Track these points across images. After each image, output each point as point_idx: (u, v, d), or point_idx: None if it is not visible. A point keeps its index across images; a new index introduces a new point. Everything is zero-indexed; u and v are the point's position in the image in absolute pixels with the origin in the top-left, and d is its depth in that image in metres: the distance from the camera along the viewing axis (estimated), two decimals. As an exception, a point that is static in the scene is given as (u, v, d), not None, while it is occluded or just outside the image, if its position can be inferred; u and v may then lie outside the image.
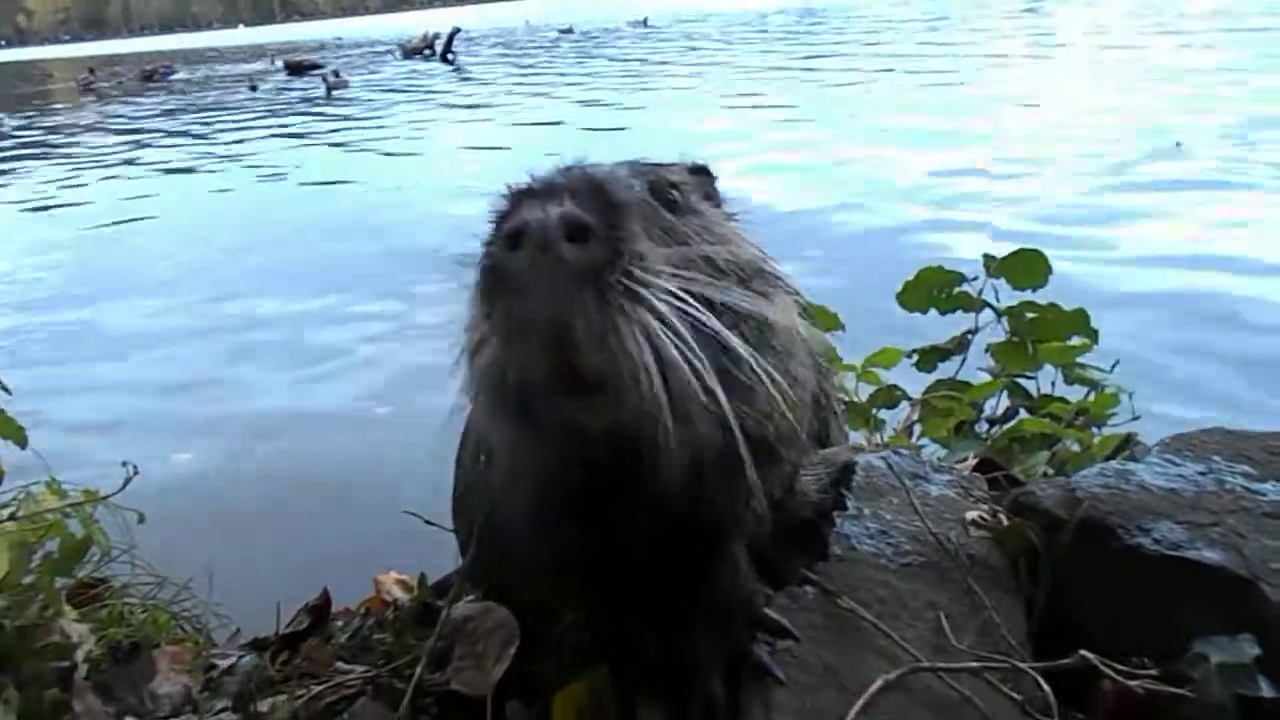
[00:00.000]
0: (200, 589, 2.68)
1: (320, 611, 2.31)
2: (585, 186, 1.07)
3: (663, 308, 1.01)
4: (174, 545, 2.72)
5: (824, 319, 3.09)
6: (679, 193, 1.26)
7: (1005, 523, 1.64)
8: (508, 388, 1.05)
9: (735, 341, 1.08)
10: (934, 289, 3.09)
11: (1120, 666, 1.36)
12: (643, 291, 1.01)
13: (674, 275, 1.06)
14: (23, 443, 2.18)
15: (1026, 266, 2.99)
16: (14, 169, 15.20)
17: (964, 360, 3.05)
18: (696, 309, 1.04)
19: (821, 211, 7.57)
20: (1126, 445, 2.10)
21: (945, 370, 3.11)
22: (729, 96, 16.33)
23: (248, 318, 6.76)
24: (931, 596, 1.52)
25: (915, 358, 3.05)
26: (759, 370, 1.10)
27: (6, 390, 2.19)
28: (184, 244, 9.00)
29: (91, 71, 36.14)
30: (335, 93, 23.77)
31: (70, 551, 2.27)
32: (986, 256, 3.06)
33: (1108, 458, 2.00)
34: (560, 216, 0.99)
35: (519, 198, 1.09)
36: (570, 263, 0.99)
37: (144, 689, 2.10)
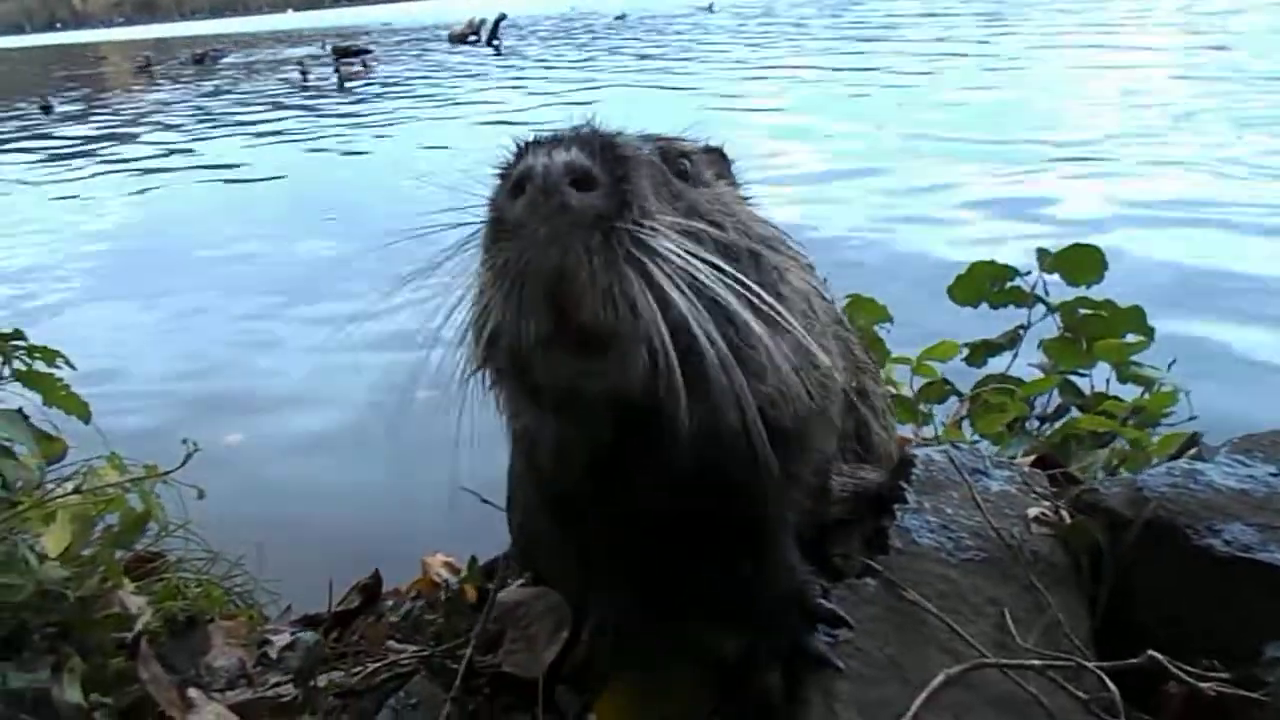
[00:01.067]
0: (250, 566, 2.72)
1: (371, 591, 2.34)
2: (593, 139, 1.04)
3: (675, 260, 0.96)
4: (225, 523, 2.75)
5: (871, 311, 3.08)
6: (690, 163, 1.21)
7: (1068, 520, 1.62)
8: (507, 352, 1.01)
9: (747, 314, 1.02)
10: (986, 283, 3.06)
11: (1190, 668, 1.34)
12: (652, 242, 0.97)
13: (683, 234, 1.01)
14: (87, 418, 2.22)
15: (1082, 261, 2.95)
16: (71, 152, 15.35)
17: (1015, 355, 3.01)
18: (706, 271, 0.99)
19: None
20: (1192, 445, 2.06)
21: (995, 366, 3.08)
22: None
23: (291, 300, 6.83)
24: (993, 592, 1.51)
25: (965, 352, 3.01)
26: (769, 345, 1.05)
27: (71, 366, 2.24)
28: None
29: (147, 60, 36.81)
30: (349, 84, 23.08)
31: (130, 525, 2.31)
32: (1040, 250, 3.02)
33: (1171, 457, 1.96)
34: (565, 163, 0.96)
35: (525, 148, 1.06)
36: (575, 209, 0.95)
37: (200, 661, 2.15)
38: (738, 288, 1.02)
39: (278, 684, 2.08)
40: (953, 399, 3.10)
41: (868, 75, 15.66)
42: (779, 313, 1.08)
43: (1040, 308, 2.98)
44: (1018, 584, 1.53)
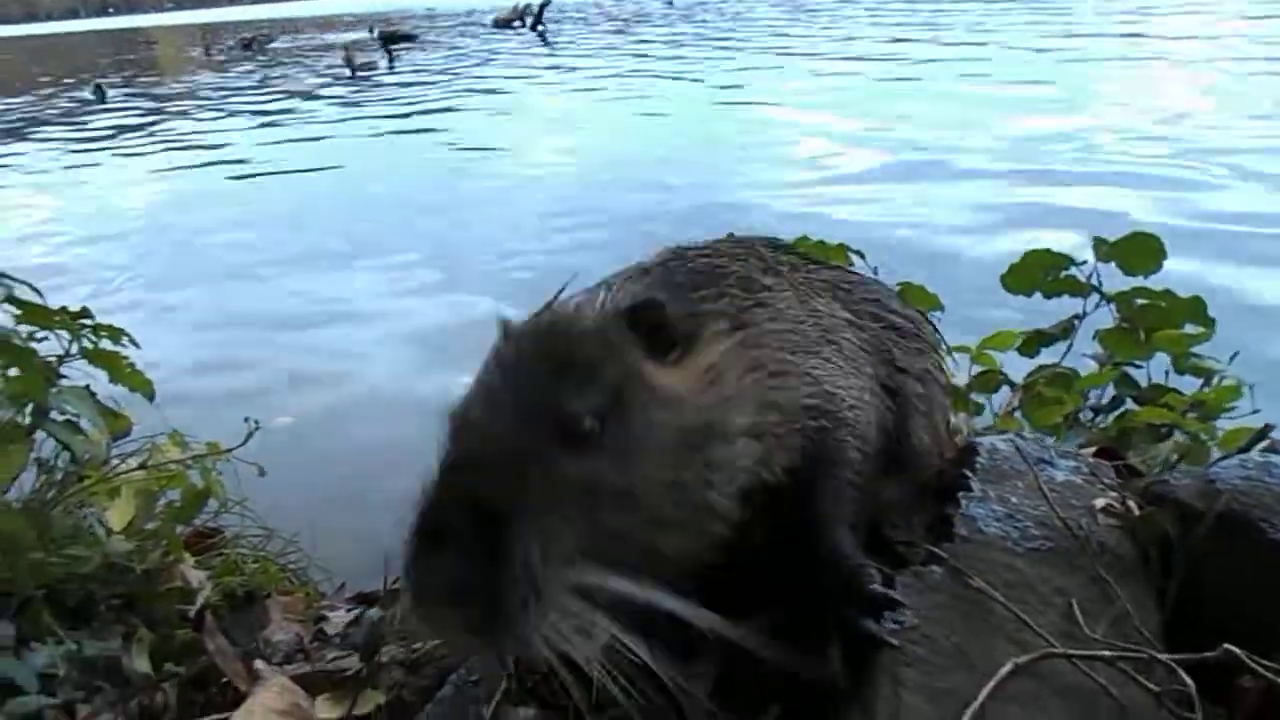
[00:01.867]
0: (304, 544, 2.77)
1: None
2: (474, 522, 1.09)
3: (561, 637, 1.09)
4: (279, 501, 2.80)
5: (921, 299, 3.05)
6: (589, 417, 1.19)
7: (1136, 512, 1.60)
8: None
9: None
10: (1040, 272, 3.02)
11: (1269, 664, 1.32)
12: (537, 633, 1.08)
13: (573, 592, 1.11)
14: (151, 395, 2.27)
15: (1140, 250, 2.90)
16: (124, 129, 15.47)
17: (1070, 346, 2.97)
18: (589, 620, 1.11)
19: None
20: (1262, 438, 2.03)
21: (1048, 356, 3.04)
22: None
23: (346, 283, 6.92)
24: (1060, 582, 1.49)
25: (1019, 342, 2.98)
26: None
27: (136, 344, 2.28)
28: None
29: (206, 42, 37.40)
30: (361, 73, 22.37)
31: (191, 501, 2.36)
32: (1097, 239, 2.97)
33: (1240, 450, 1.93)
34: (445, 592, 1.08)
35: (415, 542, 1.13)
36: (464, 625, 1.10)
37: (259, 635, 2.19)
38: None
39: (335, 659, 2.11)
40: (1005, 389, 3.07)
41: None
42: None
43: (1095, 298, 2.95)
44: (1085, 575, 1.51)
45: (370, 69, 23.03)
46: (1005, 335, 2.83)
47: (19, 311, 2.06)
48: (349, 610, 2.36)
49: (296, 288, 6.82)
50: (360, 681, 1.75)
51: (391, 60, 24.28)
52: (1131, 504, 1.62)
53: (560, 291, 1.45)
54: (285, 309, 6.38)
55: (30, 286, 2.05)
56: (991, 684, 1.31)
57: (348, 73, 22.34)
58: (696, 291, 1.50)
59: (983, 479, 1.65)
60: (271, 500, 2.78)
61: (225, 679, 1.90)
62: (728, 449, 1.30)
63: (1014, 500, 1.62)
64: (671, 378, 1.30)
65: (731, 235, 1.93)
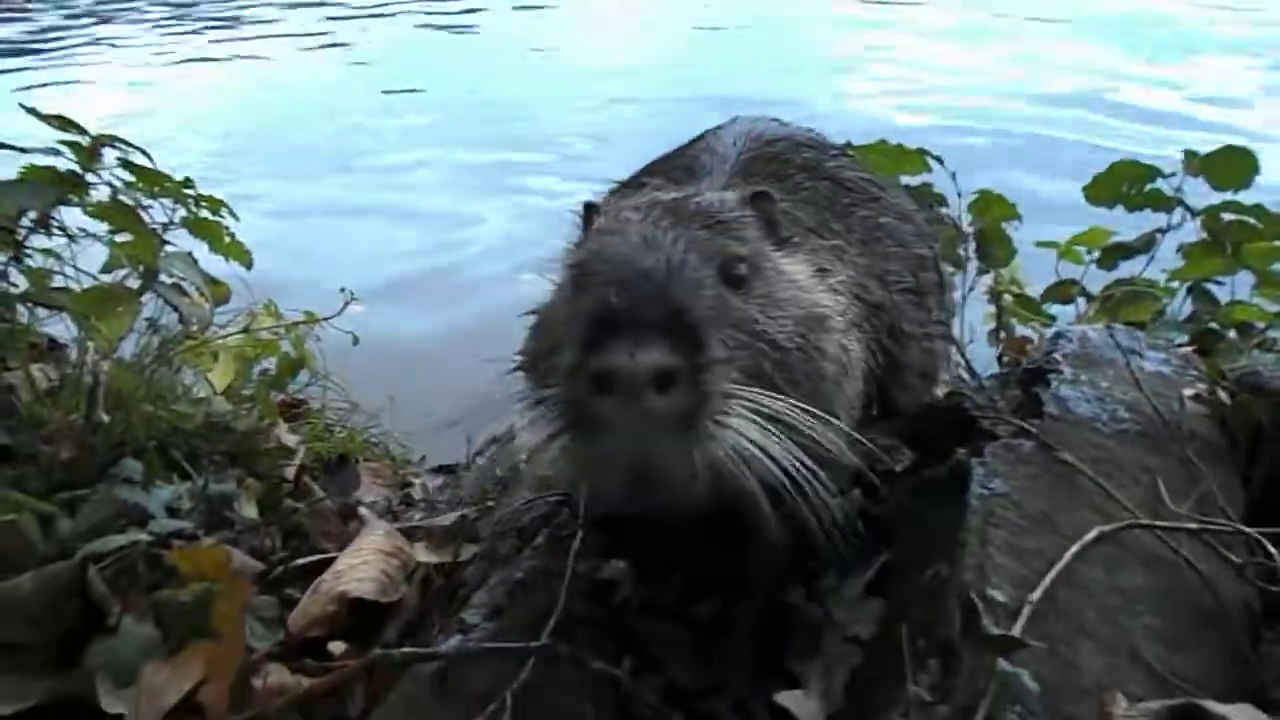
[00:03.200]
0: (385, 418, 2.88)
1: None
2: (667, 317, 1.11)
3: (747, 436, 1.10)
4: (360, 375, 2.88)
5: (1000, 208, 3.03)
6: (744, 263, 1.31)
7: (1227, 401, 1.62)
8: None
9: (797, 457, 1.14)
10: (1125, 184, 2.97)
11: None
12: (728, 423, 1.10)
13: (751, 404, 1.13)
14: (249, 264, 2.34)
15: (1232, 165, 2.84)
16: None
17: (1150, 259, 2.94)
18: (774, 435, 1.13)
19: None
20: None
21: (1126, 270, 3.02)
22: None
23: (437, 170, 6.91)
24: (1147, 462, 1.53)
25: (1097, 254, 2.95)
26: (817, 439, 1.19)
27: (235, 216, 2.35)
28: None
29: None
30: None
31: (286, 368, 2.47)
32: (1187, 153, 2.91)
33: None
34: (649, 368, 1.05)
35: (603, 330, 1.10)
36: (660, 413, 1.06)
37: (352, 495, 2.31)
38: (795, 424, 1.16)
39: (423, 519, 2.23)
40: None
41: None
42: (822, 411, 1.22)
43: (1180, 212, 2.90)
44: (1172, 457, 1.55)
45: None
46: (1097, 232, 2.79)
47: (132, 177, 2.13)
48: (432, 478, 2.48)
49: (389, 179, 6.80)
50: (458, 532, 1.85)
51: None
52: (1222, 394, 1.64)
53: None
54: (377, 199, 6.39)
55: (143, 152, 2.12)
56: (1077, 546, 1.37)
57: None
58: (763, 182, 1.60)
59: (1074, 364, 1.68)
60: (353, 376, 2.87)
61: (324, 528, 2.01)
62: (829, 343, 1.39)
63: (1104, 385, 1.64)
64: (786, 263, 1.42)
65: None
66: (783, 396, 1.15)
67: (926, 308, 1.77)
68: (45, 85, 9.44)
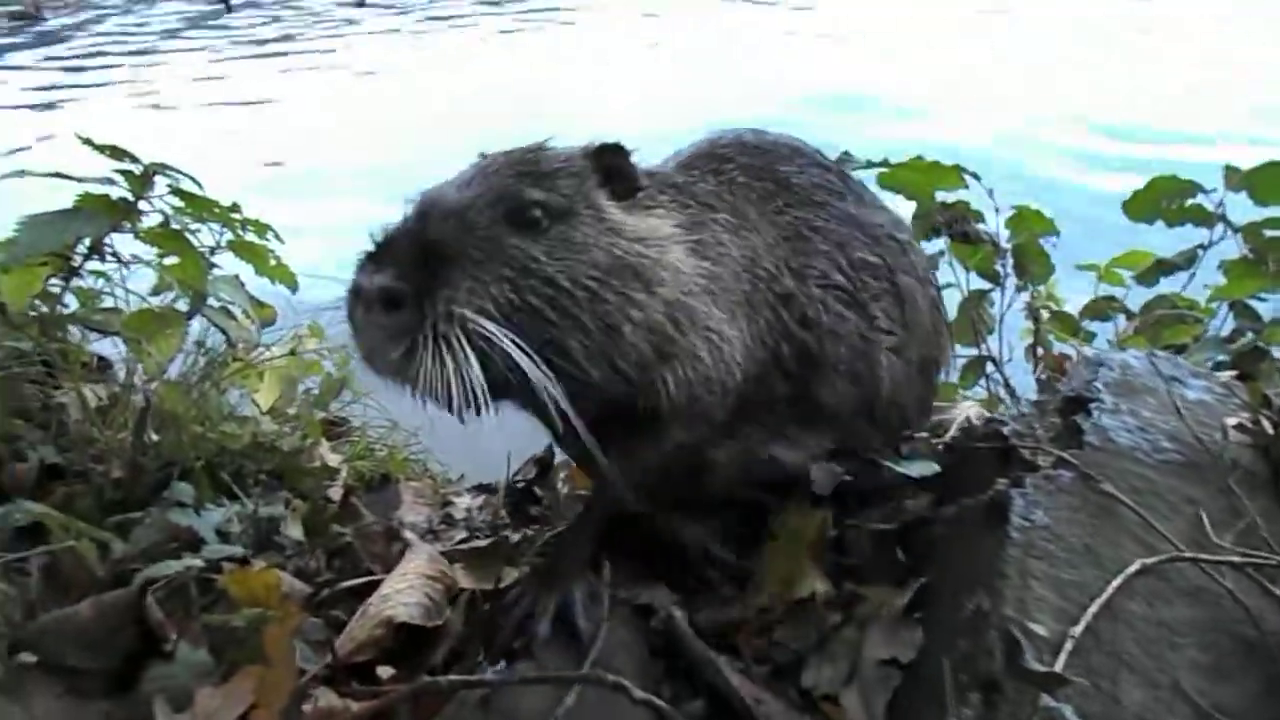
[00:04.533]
0: (425, 437, 2.92)
1: (545, 463, 2.49)
2: (411, 248, 1.36)
3: (464, 342, 1.31)
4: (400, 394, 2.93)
5: (1037, 223, 3.01)
6: (540, 208, 1.45)
7: (1271, 430, 1.60)
8: None
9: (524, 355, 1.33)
10: (1165, 199, 2.94)
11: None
12: (447, 334, 1.30)
13: (481, 311, 1.33)
14: (294, 287, 2.39)
15: (1274, 180, 2.80)
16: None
17: (1192, 276, 2.91)
18: (491, 335, 1.32)
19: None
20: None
21: (1165, 287, 2.98)
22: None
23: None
24: (1189, 493, 1.53)
25: (1149, 264, 2.92)
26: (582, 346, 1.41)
27: (280, 240, 2.40)
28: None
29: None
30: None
31: (330, 388, 2.51)
32: (1228, 167, 2.87)
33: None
34: (378, 289, 1.31)
35: (370, 255, 1.40)
36: (384, 325, 1.32)
37: (394, 515, 2.34)
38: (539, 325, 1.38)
39: (461, 541, 2.26)
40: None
41: None
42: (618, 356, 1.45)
43: (1220, 228, 2.86)
44: (1214, 487, 1.54)
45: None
46: (1137, 254, 2.77)
47: (181, 203, 2.19)
48: (472, 498, 2.51)
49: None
50: (500, 555, 1.88)
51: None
52: (1265, 423, 1.63)
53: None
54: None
55: (191, 179, 2.17)
56: (1119, 579, 1.37)
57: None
58: (689, 172, 1.74)
59: (1115, 393, 1.68)
60: (393, 394, 2.92)
61: (371, 549, 2.05)
62: (646, 297, 1.48)
63: (1146, 414, 1.64)
64: (619, 214, 1.53)
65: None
66: (511, 335, 1.33)
67: (868, 314, 1.80)
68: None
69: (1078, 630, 1.30)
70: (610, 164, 1.57)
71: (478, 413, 1.36)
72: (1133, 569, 1.38)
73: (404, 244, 1.38)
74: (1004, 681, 1.23)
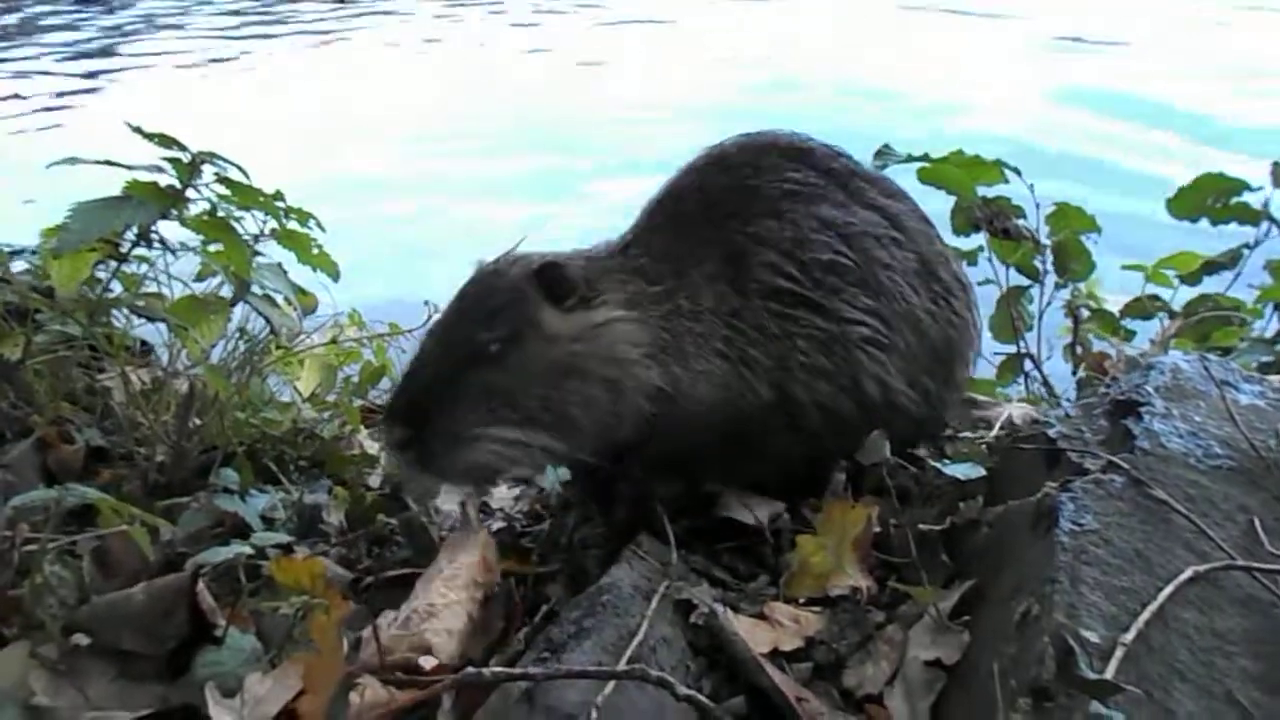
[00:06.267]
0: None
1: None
2: (406, 407, 1.78)
3: (447, 464, 1.76)
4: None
5: (1079, 221, 2.97)
6: (497, 341, 1.75)
7: (1326, 437, 1.58)
8: None
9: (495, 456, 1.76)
10: (1210, 197, 2.90)
11: None
12: (440, 461, 1.74)
13: (459, 438, 1.72)
14: (336, 276, 2.40)
15: (1326, 179, 2.76)
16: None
17: (1237, 275, 2.87)
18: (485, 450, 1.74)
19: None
20: None
21: (1209, 286, 2.95)
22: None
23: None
24: (1243, 500, 1.51)
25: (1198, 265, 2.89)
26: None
27: (322, 228, 2.41)
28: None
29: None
30: None
31: (369, 376, 2.53)
32: (1277, 165, 2.84)
33: None
34: (395, 440, 1.76)
35: (384, 416, 1.90)
36: (404, 459, 1.78)
37: (429, 503, 2.36)
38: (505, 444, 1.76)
39: (498, 530, 2.27)
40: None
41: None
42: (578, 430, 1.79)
43: (1267, 226, 2.83)
44: (1268, 494, 1.52)
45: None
46: (1186, 256, 2.74)
47: (227, 191, 2.21)
48: (509, 487, 2.52)
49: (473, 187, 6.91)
50: (536, 544, 1.89)
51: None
52: (1320, 429, 1.61)
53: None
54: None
55: (238, 168, 2.19)
56: (1171, 587, 1.36)
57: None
58: (643, 229, 1.99)
59: (1165, 397, 1.66)
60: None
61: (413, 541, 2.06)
62: (584, 387, 1.77)
63: (1197, 419, 1.62)
64: (560, 322, 1.79)
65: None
66: (490, 432, 1.73)
67: (829, 310, 1.90)
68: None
69: (1129, 637, 1.28)
70: (550, 279, 1.81)
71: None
72: (1185, 576, 1.36)
73: (402, 405, 1.79)
74: (1055, 688, 1.22)
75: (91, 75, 11.25)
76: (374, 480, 2.33)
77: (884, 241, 1.98)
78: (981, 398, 2.48)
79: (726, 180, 2.00)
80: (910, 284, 1.98)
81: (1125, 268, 2.77)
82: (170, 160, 2.10)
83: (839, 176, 2.02)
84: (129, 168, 2.07)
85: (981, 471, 1.73)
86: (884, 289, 1.94)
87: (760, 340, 1.88)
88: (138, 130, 2.07)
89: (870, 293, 1.93)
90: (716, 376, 1.87)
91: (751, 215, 1.94)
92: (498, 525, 2.29)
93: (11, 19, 14.16)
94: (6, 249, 2.67)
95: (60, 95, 10.18)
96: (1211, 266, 2.89)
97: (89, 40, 13.00)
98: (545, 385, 1.76)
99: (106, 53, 12.45)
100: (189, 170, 2.11)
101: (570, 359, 1.78)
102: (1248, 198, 2.85)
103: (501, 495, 2.53)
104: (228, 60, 11.87)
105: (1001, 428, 2.12)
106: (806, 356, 1.88)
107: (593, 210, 5.97)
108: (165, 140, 2.12)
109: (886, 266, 1.96)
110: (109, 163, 2.08)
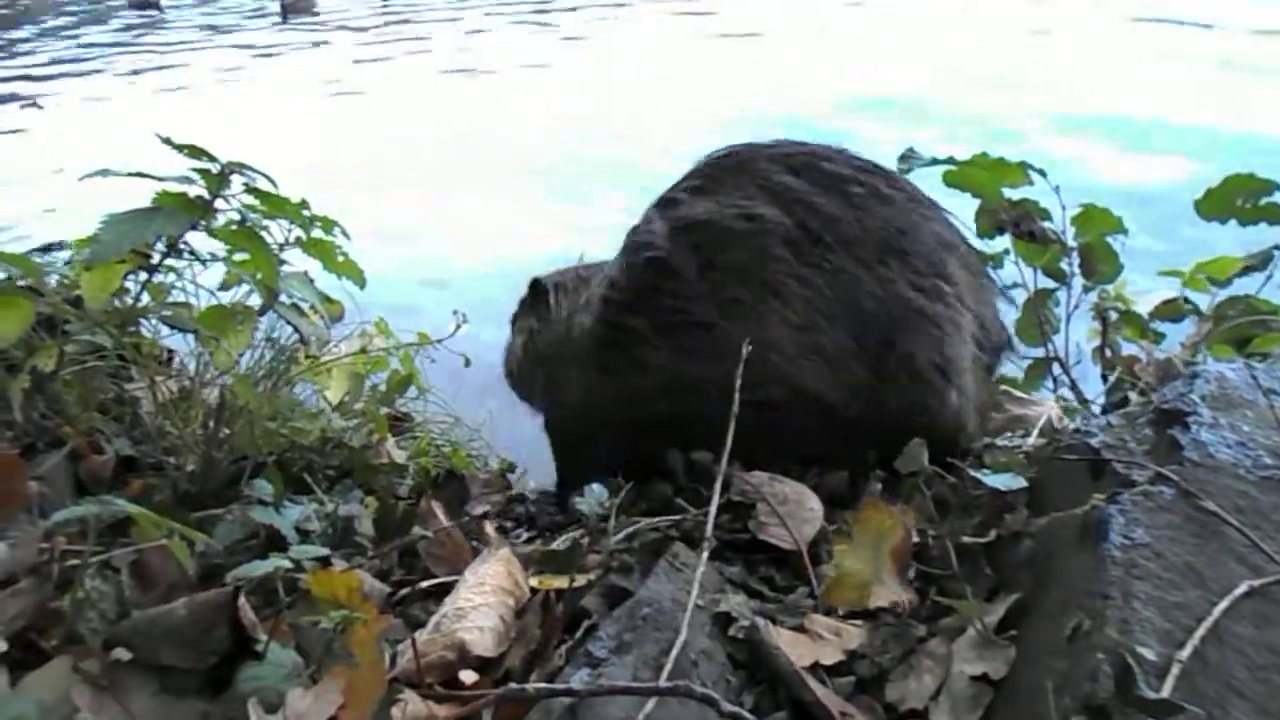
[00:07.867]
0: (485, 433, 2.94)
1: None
2: None
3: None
4: (459, 395, 2.95)
5: (1105, 222, 2.94)
6: (529, 334, 2.63)
7: (1377, 446, 1.56)
8: None
9: None
10: (1240, 197, 2.87)
11: None
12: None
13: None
14: (362, 284, 2.40)
15: (1359, 180, 2.72)
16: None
17: (1269, 277, 2.84)
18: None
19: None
20: None
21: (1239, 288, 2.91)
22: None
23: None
24: (1294, 512, 1.48)
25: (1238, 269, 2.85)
26: None
27: (347, 235, 2.41)
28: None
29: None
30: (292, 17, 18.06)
31: (396, 385, 2.53)
32: (1308, 166, 2.80)
33: None
34: None
35: None
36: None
37: (464, 510, 2.35)
38: None
39: (529, 539, 2.27)
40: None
41: None
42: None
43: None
44: (1319, 506, 1.49)
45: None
46: (1225, 261, 2.70)
47: (254, 201, 2.20)
48: (537, 495, 2.52)
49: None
50: (575, 557, 1.87)
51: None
52: (1370, 438, 1.58)
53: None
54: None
55: (267, 177, 2.18)
56: (1225, 603, 1.33)
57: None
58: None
59: (1212, 406, 1.63)
60: (451, 392, 2.93)
61: (442, 553, 2.05)
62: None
63: (1245, 429, 1.60)
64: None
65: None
66: None
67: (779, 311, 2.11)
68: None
69: (1184, 654, 1.26)
70: (535, 295, 2.55)
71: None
72: (1239, 590, 1.34)
73: None
74: (1113, 707, 1.20)
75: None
76: (403, 490, 2.33)
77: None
78: (1017, 393, 2.47)
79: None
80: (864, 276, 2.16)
81: (1161, 273, 2.74)
82: (200, 171, 2.10)
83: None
84: (160, 179, 2.07)
85: (1023, 483, 1.71)
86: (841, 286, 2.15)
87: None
88: (167, 141, 2.06)
89: (818, 292, 2.15)
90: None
91: None
92: (525, 535, 2.29)
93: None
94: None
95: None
96: (1242, 268, 2.86)
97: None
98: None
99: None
100: (218, 181, 2.10)
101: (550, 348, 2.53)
102: (1278, 198, 2.82)
103: (531, 502, 2.53)
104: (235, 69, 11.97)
105: (1040, 433, 2.10)
106: (786, 346, 2.10)
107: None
108: (194, 151, 2.11)
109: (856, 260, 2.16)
110: (140, 175, 2.08)
